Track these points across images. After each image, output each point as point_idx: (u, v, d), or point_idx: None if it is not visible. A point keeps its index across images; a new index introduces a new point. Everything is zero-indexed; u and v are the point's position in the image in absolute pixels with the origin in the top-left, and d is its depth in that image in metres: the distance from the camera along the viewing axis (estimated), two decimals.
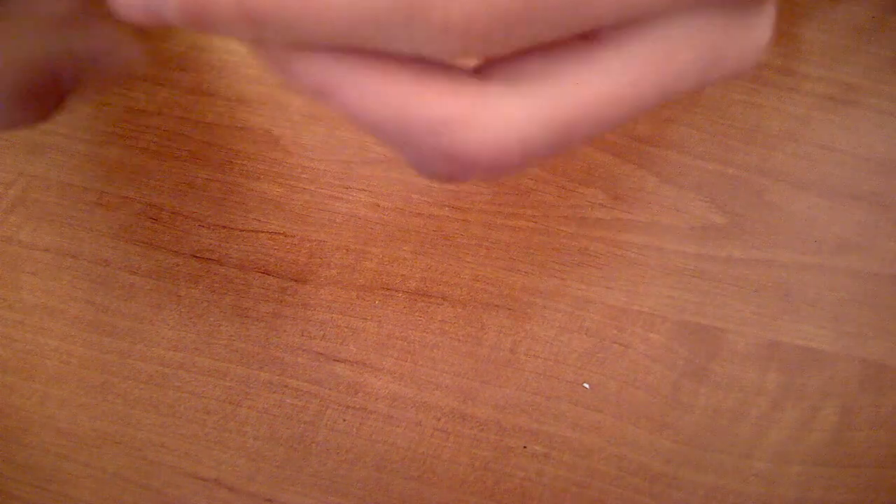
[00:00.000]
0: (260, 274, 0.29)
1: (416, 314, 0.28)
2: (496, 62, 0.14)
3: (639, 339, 0.28)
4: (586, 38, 0.13)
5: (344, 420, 0.27)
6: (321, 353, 0.28)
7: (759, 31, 0.15)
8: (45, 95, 0.18)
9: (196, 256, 0.29)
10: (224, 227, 0.30)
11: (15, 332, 0.29)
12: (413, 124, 0.14)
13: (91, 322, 0.29)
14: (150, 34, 0.32)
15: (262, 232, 0.30)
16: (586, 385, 0.27)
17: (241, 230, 0.30)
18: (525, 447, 0.27)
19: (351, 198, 0.30)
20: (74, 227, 0.30)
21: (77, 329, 0.28)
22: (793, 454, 0.26)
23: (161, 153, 0.31)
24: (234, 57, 0.32)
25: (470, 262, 0.29)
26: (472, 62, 0.14)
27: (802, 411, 0.27)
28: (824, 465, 0.26)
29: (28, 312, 0.29)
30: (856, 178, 0.30)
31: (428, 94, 0.14)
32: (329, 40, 0.13)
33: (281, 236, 0.30)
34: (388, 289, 0.29)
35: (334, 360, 0.28)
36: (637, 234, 0.29)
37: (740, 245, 0.29)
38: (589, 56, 0.13)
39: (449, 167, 0.14)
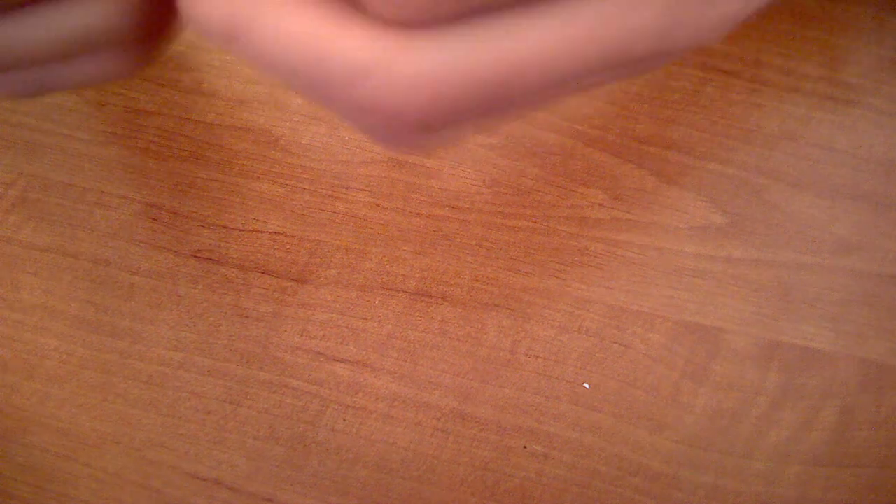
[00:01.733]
0: (260, 274, 0.29)
1: (416, 314, 0.28)
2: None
3: (639, 339, 0.28)
4: None
5: (344, 420, 0.27)
6: (321, 353, 0.28)
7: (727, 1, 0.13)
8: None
9: (196, 256, 0.29)
10: (224, 227, 0.30)
11: (15, 332, 0.29)
12: (330, 69, 0.13)
13: (91, 322, 0.29)
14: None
15: (262, 232, 0.30)
16: (586, 385, 0.27)
17: (241, 230, 0.30)
18: (525, 447, 0.27)
19: (351, 198, 0.30)
20: (74, 227, 0.30)
21: (77, 329, 0.28)
22: (793, 454, 0.26)
23: (161, 153, 0.31)
24: (235, 57, 0.32)
25: (470, 262, 0.29)
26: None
27: (802, 411, 0.27)
28: (824, 465, 0.26)
29: (28, 312, 0.29)
30: (856, 178, 0.30)
31: (349, 38, 0.13)
32: None
33: (281, 236, 0.30)
34: (388, 289, 0.29)
35: (334, 360, 0.28)
36: (637, 234, 0.29)
37: (740, 245, 0.29)
38: (527, 9, 0.12)
39: (369, 119, 0.13)
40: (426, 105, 0.13)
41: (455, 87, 0.13)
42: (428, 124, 0.13)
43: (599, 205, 0.30)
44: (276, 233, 0.30)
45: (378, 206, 0.30)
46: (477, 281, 0.29)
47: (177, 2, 0.14)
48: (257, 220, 0.30)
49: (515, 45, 0.13)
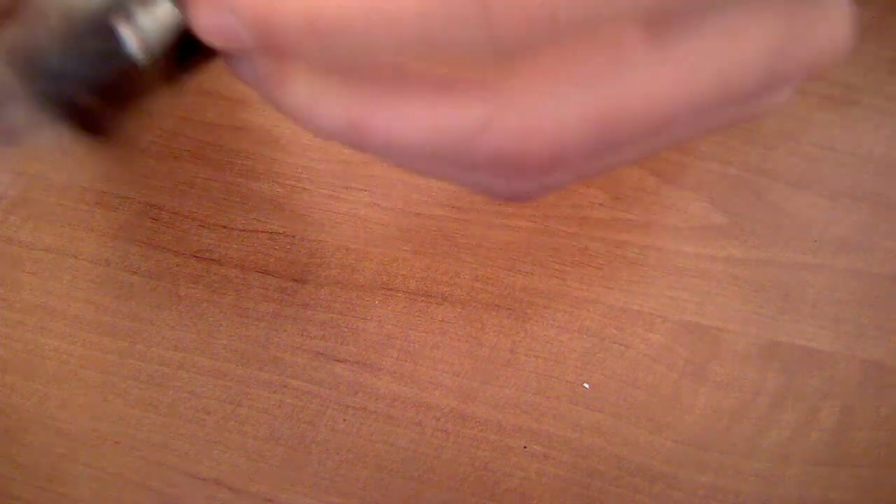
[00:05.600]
0: (260, 274, 0.29)
1: (416, 314, 0.28)
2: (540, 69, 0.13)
3: (639, 339, 0.28)
4: (640, 34, 0.13)
5: (344, 420, 0.27)
6: (321, 353, 0.28)
7: (833, 23, 0.14)
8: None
9: (196, 256, 0.29)
10: (224, 227, 0.30)
11: (15, 332, 0.29)
12: (448, 132, 0.14)
13: (91, 322, 0.29)
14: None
15: (262, 232, 0.30)
16: (586, 385, 0.27)
17: (241, 230, 0.30)
18: (525, 447, 0.27)
19: (351, 198, 0.30)
20: (74, 227, 0.30)
21: (77, 329, 0.28)
22: (793, 454, 0.26)
23: (161, 153, 0.31)
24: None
25: (470, 262, 0.29)
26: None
27: (802, 411, 0.27)
28: (824, 465, 0.26)
29: (28, 312, 0.29)
30: (856, 178, 0.30)
31: (460, 100, 0.13)
32: (397, 50, 0.13)
33: (281, 236, 0.30)
34: (388, 289, 0.29)
35: (334, 360, 0.28)
36: (637, 234, 0.29)
37: (740, 245, 0.29)
38: (637, 52, 0.13)
39: (496, 172, 0.14)
40: (545, 150, 0.13)
41: (579, 132, 0.13)
42: (546, 169, 0.14)
43: (599, 205, 0.30)
44: (276, 233, 0.30)
45: (378, 206, 0.30)
46: (477, 281, 0.29)
47: (298, 113, 0.14)
48: (257, 220, 0.30)
49: (632, 89, 0.13)
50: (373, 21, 0.12)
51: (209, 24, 0.14)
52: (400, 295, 0.29)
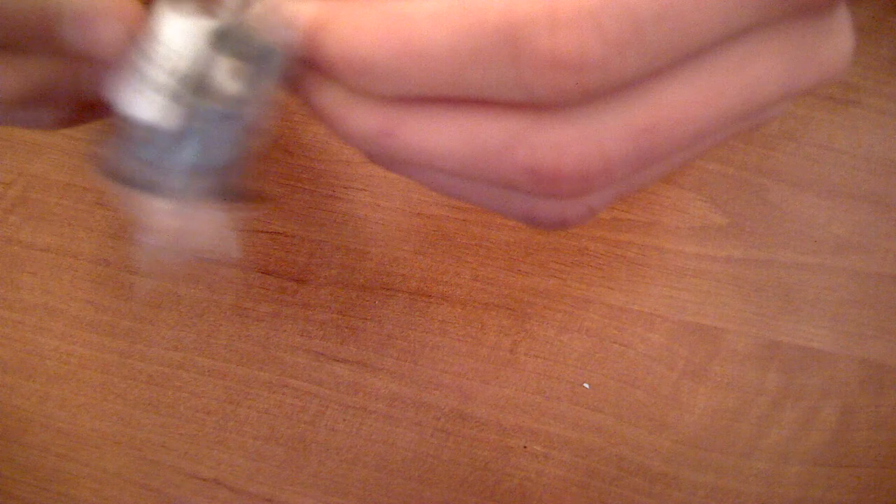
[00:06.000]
0: (260, 274, 0.29)
1: (416, 314, 0.28)
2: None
3: (639, 339, 0.28)
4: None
5: (344, 420, 0.27)
6: (321, 353, 0.28)
7: (838, 36, 0.15)
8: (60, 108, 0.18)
9: (196, 256, 0.29)
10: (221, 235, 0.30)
11: (15, 332, 0.29)
12: (482, 143, 0.14)
13: (91, 322, 0.29)
14: None
15: (262, 232, 0.30)
16: (586, 385, 0.27)
17: (240, 230, 0.30)
18: (525, 447, 0.27)
19: (351, 198, 0.30)
20: (74, 227, 0.30)
21: (77, 329, 0.28)
22: (793, 454, 0.26)
23: None
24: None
25: (470, 262, 0.29)
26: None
27: (802, 411, 0.27)
28: (824, 465, 0.26)
29: (28, 312, 0.29)
30: (856, 178, 0.30)
31: (495, 113, 0.13)
32: (428, 85, 0.13)
33: (281, 236, 0.30)
34: (388, 289, 0.29)
35: (334, 360, 0.28)
36: (637, 234, 0.29)
37: (740, 245, 0.29)
38: (668, 71, 0.13)
39: (532, 188, 0.14)
40: (582, 163, 0.13)
41: (618, 148, 0.13)
42: (584, 185, 0.14)
43: None
44: (276, 233, 0.30)
45: (378, 206, 0.30)
46: (477, 281, 0.29)
47: (326, 121, 0.15)
48: (257, 220, 0.30)
49: (664, 105, 0.13)
50: (404, 59, 0.13)
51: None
52: (400, 295, 0.29)
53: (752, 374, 0.27)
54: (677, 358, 0.28)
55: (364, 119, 0.14)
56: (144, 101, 0.15)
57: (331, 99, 0.15)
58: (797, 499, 0.26)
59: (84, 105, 0.19)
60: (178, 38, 0.15)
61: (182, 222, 0.16)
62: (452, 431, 0.27)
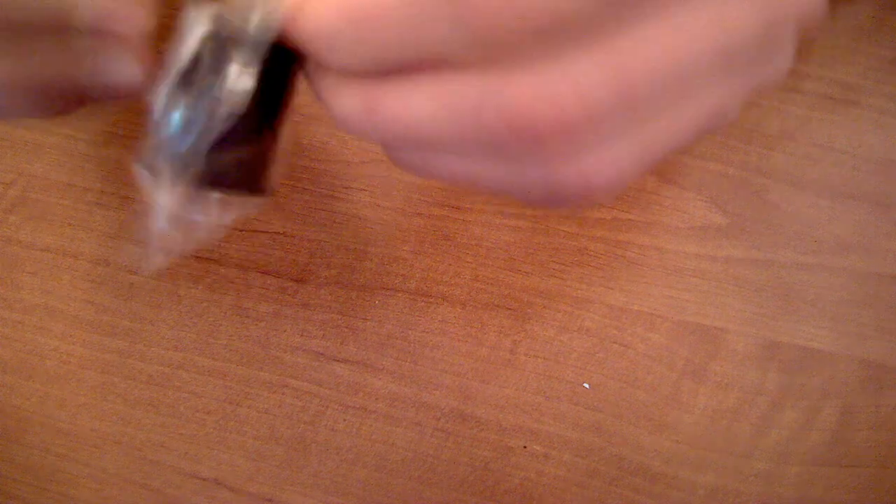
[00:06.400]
0: (260, 274, 0.29)
1: (416, 314, 0.28)
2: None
3: (639, 339, 0.28)
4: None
5: (344, 420, 0.27)
6: (321, 353, 0.28)
7: None
8: (59, 98, 0.19)
9: (196, 256, 0.29)
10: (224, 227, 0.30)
11: (15, 332, 0.29)
12: (457, 104, 0.14)
13: (91, 322, 0.29)
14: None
15: (262, 232, 0.30)
16: (586, 385, 0.27)
17: (241, 230, 0.30)
18: (525, 447, 0.27)
19: (351, 198, 0.30)
20: (74, 227, 0.30)
21: (77, 329, 0.28)
22: (793, 454, 0.26)
23: None
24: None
25: (470, 262, 0.29)
26: None
27: (802, 411, 0.27)
28: (824, 465, 0.26)
29: (28, 312, 0.29)
30: (856, 178, 0.30)
31: (466, 75, 0.14)
32: (390, 51, 0.14)
33: (281, 236, 0.30)
34: (388, 289, 0.29)
35: (334, 360, 0.28)
36: (637, 234, 0.29)
37: (740, 245, 0.29)
38: (633, 10, 0.13)
39: (517, 141, 0.14)
40: (558, 108, 0.13)
41: (596, 90, 0.13)
42: (566, 133, 0.13)
43: (599, 205, 0.30)
44: (276, 233, 0.30)
45: (378, 206, 0.30)
46: (477, 281, 0.29)
47: (328, 111, 0.16)
48: (257, 220, 0.30)
49: (640, 47, 0.13)
50: (360, 26, 0.14)
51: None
52: (400, 295, 0.29)
53: (752, 374, 0.27)
54: (677, 358, 0.28)
55: (350, 99, 0.15)
56: (161, 96, 0.16)
57: (325, 86, 0.16)
58: (797, 499, 0.26)
59: (78, 95, 0.19)
60: (186, 34, 0.16)
61: (195, 211, 0.18)
62: (452, 431, 0.27)
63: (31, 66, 0.17)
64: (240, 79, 0.16)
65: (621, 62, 0.13)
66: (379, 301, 0.29)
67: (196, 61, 0.16)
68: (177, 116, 0.16)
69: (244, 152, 0.17)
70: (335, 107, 0.16)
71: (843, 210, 0.30)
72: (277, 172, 0.19)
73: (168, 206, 0.17)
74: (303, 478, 0.26)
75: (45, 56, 0.17)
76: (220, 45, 0.16)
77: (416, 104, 0.14)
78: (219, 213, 0.18)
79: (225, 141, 0.16)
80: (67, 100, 0.19)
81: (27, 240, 0.30)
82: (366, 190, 0.30)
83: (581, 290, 0.29)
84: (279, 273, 0.29)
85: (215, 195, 0.18)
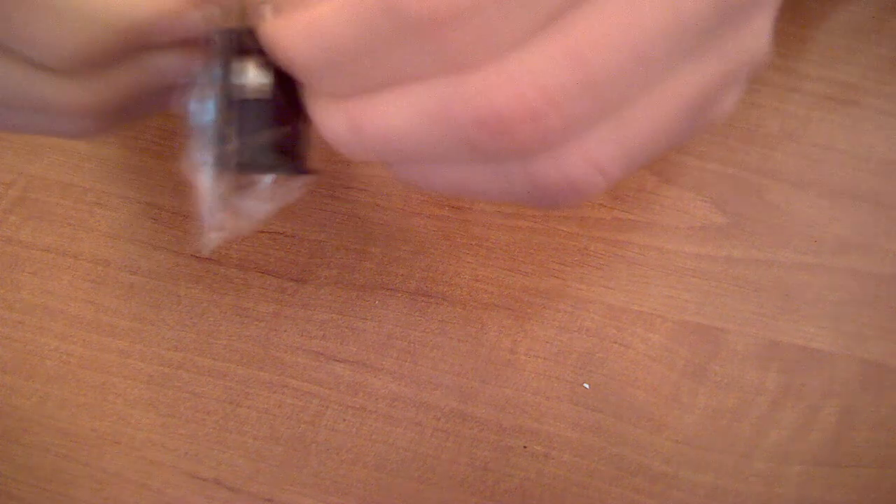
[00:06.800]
0: (260, 274, 0.29)
1: (416, 314, 0.28)
2: None
3: (639, 339, 0.28)
4: None
5: (344, 420, 0.27)
6: (321, 353, 0.28)
7: None
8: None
9: (196, 256, 0.29)
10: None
11: (15, 332, 0.29)
12: (427, 110, 0.14)
13: (91, 322, 0.29)
14: None
15: (262, 232, 0.30)
16: (586, 385, 0.27)
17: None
18: (525, 447, 0.27)
19: (351, 198, 0.30)
20: (74, 227, 0.30)
21: (77, 329, 0.28)
22: (793, 454, 0.26)
23: (161, 153, 0.31)
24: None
25: (470, 262, 0.29)
26: None
27: (802, 411, 0.27)
28: (824, 465, 0.26)
29: (28, 312, 0.29)
30: (856, 178, 0.30)
31: (425, 83, 0.14)
32: (360, 75, 0.14)
33: (281, 236, 0.30)
34: (388, 289, 0.29)
35: (334, 360, 0.28)
36: (637, 234, 0.29)
37: (740, 245, 0.29)
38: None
39: (489, 137, 0.14)
40: (518, 97, 0.13)
41: (554, 74, 0.13)
42: (533, 121, 0.14)
43: (600, 205, 0.30)
44: (276, 233, 0.30)
45: (378, 206, 0.30)
46: (477, 281, 0.29)
47: (323, 136, 0.16)
48: None
49: (578, 28, 0.13)
50: (326, 54, 0.14)
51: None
52: (400, 295, 0.29)
53: (752, 374, 0.27)
54: (677, 358, 0.28)
55: (337, 120, 0.16)
56: (195, 100, 0.18)
57: (317, 109, 0.16)
58: (797, 499, 0.26)
59: (153, 105, 0.21)
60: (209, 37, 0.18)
61: (243, 196, 0.19)
62: (452, 431, 0.27)
63: (114, 88, 0.18)
64: (259, 72, 0.17)
65: (574, 45, 0.13)
66: (379, 301, 0.29)
67: (224, 58, 0.17)
68: (210, 106, 0.18)
69: (279, 134, 0.18)
70: (325, 129, 0.16)
71: (843, 210, 0.30)
72: (313, 152, 0.20)
73: (216, 191, 0.19)
74: (303, 478, 0.26)
75: (128, 75, 0.19)
76: (237, 46, 0.17)
77: (393, 116, 0.15)
78: (267, 195, 0.19)
79: (258, 126, 0.18)
80: (144, 111, 0.21)
81: (27, 240, 0.30)
82: (366, 190, 0.30)
83: (581, 290, 0.29)
84: (279, 273, 0.29)
85: (259, 178, 0.19)
